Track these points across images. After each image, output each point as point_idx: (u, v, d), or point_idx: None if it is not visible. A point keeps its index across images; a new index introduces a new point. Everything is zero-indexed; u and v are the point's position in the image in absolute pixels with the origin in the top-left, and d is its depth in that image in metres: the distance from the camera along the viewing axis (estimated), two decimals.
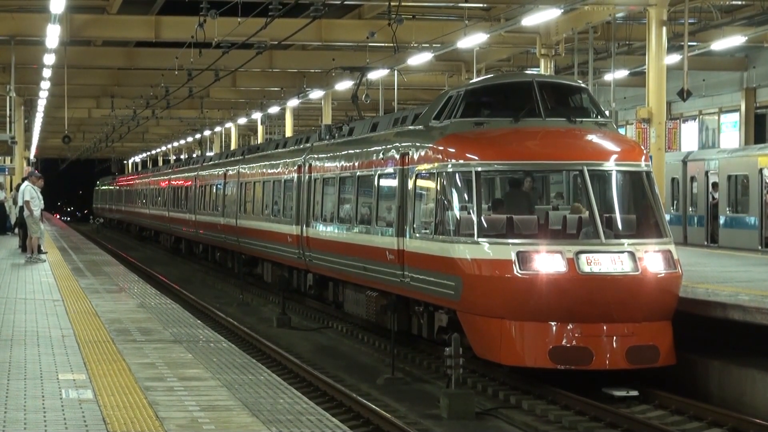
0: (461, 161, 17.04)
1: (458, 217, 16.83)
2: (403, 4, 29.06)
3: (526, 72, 34.91)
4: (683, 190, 38.21)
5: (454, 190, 17.07)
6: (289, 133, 57.04)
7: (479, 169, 16.82)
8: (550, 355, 15.65)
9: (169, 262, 47.65)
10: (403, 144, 19.49)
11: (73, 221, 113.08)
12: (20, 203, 30.70)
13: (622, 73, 40.37)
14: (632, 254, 15.98)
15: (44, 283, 23.16)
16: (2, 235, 41.64)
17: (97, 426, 9.68)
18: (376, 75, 39.27)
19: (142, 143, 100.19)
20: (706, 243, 36.32)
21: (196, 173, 43.60)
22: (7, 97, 43.73)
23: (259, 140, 65.81)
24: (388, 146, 20.26)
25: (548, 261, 15.76)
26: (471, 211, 16.61)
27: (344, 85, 44.95)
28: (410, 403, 16.41)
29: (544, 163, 17.18)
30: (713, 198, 36.48)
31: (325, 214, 24.27)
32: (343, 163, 23.34)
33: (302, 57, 46.05)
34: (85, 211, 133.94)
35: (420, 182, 18.40)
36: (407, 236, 18.62)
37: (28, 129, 64.94)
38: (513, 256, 15.86)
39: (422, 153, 18.37)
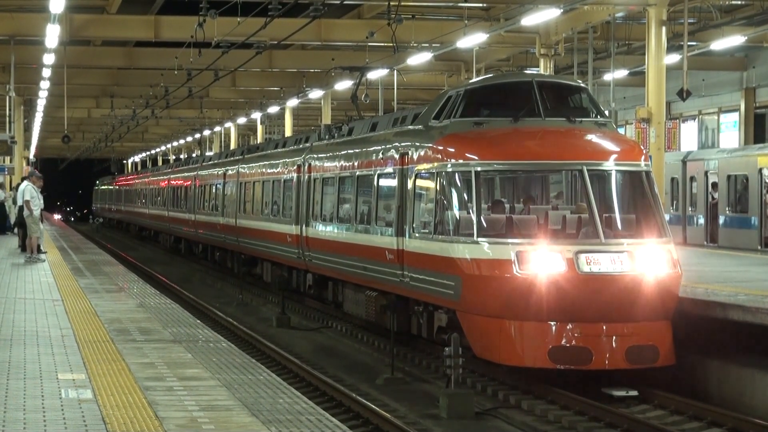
0: (461, 161, 17.04)
1: (458, 217, 16.83)
2: (402, 4, 29.08)
3: (526, 72, 34.92)
4: (683, 190, 38.21)
5: (453, 190, 17.07)
6: (288, 132, 57.06)
7: (479, 168, 16.82)
8: (550, 355, 15.65)
9: (169, 261, 47.65)
10: (402, 144, 19.49)
11: (72, 221, 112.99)
12: (20, 203, 30.68)
13: (621, 73, 40.39)
14: (632, 254, 15.98)
15: (44, 282, 23.16)
16: (2, 235, 41.64)
17: (96, 426, 9.67)
18: (375, 75, 39.28)
19: (141, 143, 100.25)
20: (705, 243, 36.32)
21: (195, 173, 43.60)
22: (7, 97, 43.75)
23: (259, 140, 65.83)
24: (388, 146, 20.26)
25: (548, 261, 15.76)
26: (470, 210, 16.61)
27: (344, 85, 44.97)
28: (410, 402, 16.41)
29: (543, 162, 17.18)
30: (713, 198, 36.48)
31: (325, 213, 24.27)
32: (342, 162, 23.34)
33: (302, 57, 46.09)
34: (85, 211, 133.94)
35: (419, 182, 18.39)
36: (407, 236, 18.62)
37: (27, 129, 65.01)
38: (512, 256, 15.86)
39: (422, 153, 18.37)
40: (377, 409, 14.80)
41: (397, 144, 19.79)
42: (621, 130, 36.22)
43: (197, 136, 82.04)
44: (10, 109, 45.01)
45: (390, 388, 17.58)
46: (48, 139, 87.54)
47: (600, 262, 15.85)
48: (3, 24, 36.50)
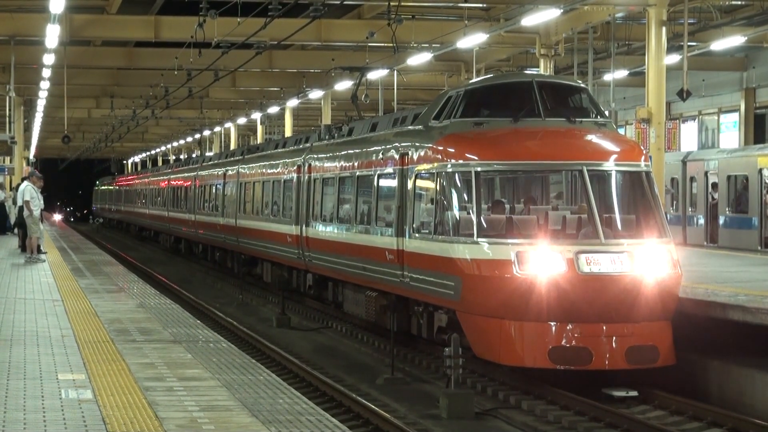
0: (461, 161, 17.04)
1: (458, 217, 16.83)
2: (402, 4, 29.06)
3: (526, 72, 34.90)
4: (683, 190, 38.21)
5: (453, 190, 17.07)
6: (288, 133, 57.05)
7: (479, 169, 16.82)
8: (550, 356, 15.65)
9: (169, 262, 47.65)
10: (402, 144, 19.49)
11: (72, 221, 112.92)
12: (20, 203, 30.70)
13: (621, 73, 40.36)
14: (632, 254, 15.98)
15: (44, 283, 23.17)
16: (2, 235, 41.64)
17: (96, 426, 9.68)
18: (375, 75, 39.27)
19: (141, 143, 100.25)
20: (705, 243, 36.32)
21: (195, 173, 43.61)
22: (7, 97, 43.75)
23: (259, 140, 65.83)
24: (388, 146, 20.27)
25: (548, 261, 15.75)
26: (470, 211, 16.61)
27: (344, 85, 44.96)
28: (410, 403, 16.42)
29: (543, 163, 17.19)
30: (713, 198, 36.47)
31: (325, 214, 24.27)
32: (342, 163, 23.34)
33: (302, 57, 46.07)
34: (85, 211, 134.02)
35: (419, 182, 18.39)
36: (407, 236, 18.62)
37: (27, 129, 64.99)
38: (512, 256, 15.86)
39: (422, 153, 18.37)
40: (377, 409, 14.80)
41: (397, 144, 19.79)
42: (621, 131, 36.23)
43: (197, 136, 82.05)
44: (10, 110, 45.00)
45: (390, 388, 17.58)
46: (48, 139, 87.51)
47: (600, 262, 15.85)
48: (3, 24, 36.49)
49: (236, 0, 29.74)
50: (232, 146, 72.02)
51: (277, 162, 29.50)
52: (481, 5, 36.60)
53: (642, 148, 18.91)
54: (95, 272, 26.92)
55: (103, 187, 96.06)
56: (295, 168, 27.03)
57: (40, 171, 37.69)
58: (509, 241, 16.16)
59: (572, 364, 15.74)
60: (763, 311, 15.22)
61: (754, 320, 15.37)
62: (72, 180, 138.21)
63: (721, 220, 35.68)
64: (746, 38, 35.78)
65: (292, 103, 55.23)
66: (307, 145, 27.28)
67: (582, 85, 18.95)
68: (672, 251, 16.45)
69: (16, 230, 37.31)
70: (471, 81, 22.70)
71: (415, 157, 18.62)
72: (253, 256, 33.14)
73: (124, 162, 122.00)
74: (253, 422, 10.00)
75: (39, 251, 29.33)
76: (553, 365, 15.71)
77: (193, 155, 75.14)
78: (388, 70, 39.65)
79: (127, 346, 14.35)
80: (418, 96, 54.50)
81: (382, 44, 35.70)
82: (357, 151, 22.47)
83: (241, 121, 69.39)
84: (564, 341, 15.72)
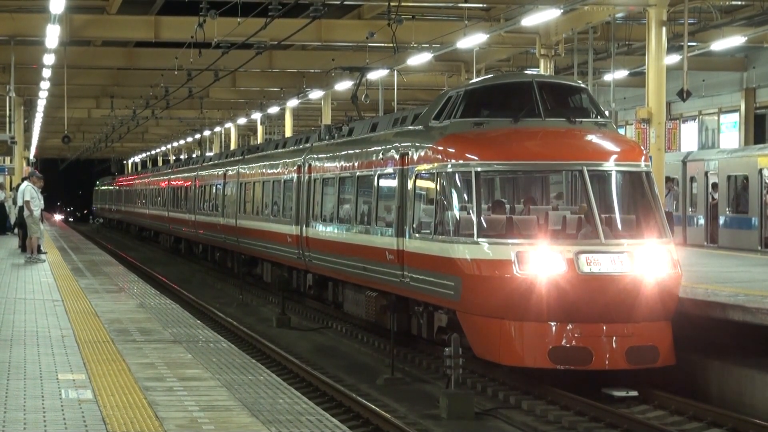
0: (461, 161, 17.05)
1: (458, 217, 16.83)
2: (402, 4, 29.08)
3: (526, 72, 34.89)
4: (683, 190, 38.21)
5: (453, 191, 17.08)
6: (288, 133, 57.06)
7: (479, 169, 16.83)
8: (550, 356, 15.65)
9: (169, 262, 47.65)
10: (402, 144, 19.49)
11: (71, 221, 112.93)
12: (20, 203, 30.70)
13: (621, 74, 40.37)
14: (632, 254, 15.98)
15: (44, 283, 23.17)
16: (2, 235, 41.64)
17: (96, 426, 9.68)
18: (375, 75, 39.26)
19: (141, 143, 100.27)
20: (705, 243, 36.32)
21: (195, 173, 43.61)
22: (7, 97, 43.76)
23: (259, 140, 65.84)
24: (388, 146, 20.27)
25: (548, 261, 15.76)
26: (471, 211, 16.61)
27: (344, 86, 44.97)
28: (410, 403, 16.42)
29: (543, 163, 17.20)
30: (713, 198, 36.47)
31: (325, 214, 24.28)
32: (342, 163, 23.34)
33: (302, 57, 46.08)
34: (85, 211, 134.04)
35: (420, 182, 18.40)
36: (407, 236, 18.62)
37: (27, 129, 65.01)
38: (512, 256, 15.86)
39: (422, 153, 18.37)
40: (377, 409, 14.81)
41: (397, 144, 19.80)
42: (621, 131, 36.22)
43: (197, 136, 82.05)
44: (10, 110, 45.03)
45: (390, 388, 17.59)
46: (48, 139, 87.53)
47: (600, 262, 15.85)
48: (3, 24, 36.49)
49: (236, 0, 29.75)
50: (232, 146, 72.02)
51: (277, 162, 29.50)
52: (481, 5, 36.60)
53: (642, 148, 18.92)
54: (95, 272, 26.92)
55: (103, 188, 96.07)
56: (295, 168, 27.03)
57: (41, 171, 37.70)
58: (509, 241, 16.16)
59: (572, 364, 15.74)
60: (763, 311, 15.22)
61: (754, 320, 15.37)
62: (72, 180, 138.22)
63: (721, 220, 35.67)
64: (746, 38, 35.78)
65: (292, 103, 55.24)
66: (307, 145, 27.28)
67: (582, 86, 18.94)
68: (672, 251, 16.45)
69: (16, 230, 37.31)
70: (471, 81, 22.69)
71: (415, 157, 18.62)
72: (253, 257, 33.15)
73: (124, 162, 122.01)
74: (253, 422, 10.01)
75: (39, 251, 29.34)
76: (553, 365, 15.71)
77: (193, 155, 75.14)
78: (388, 70, 39.64)
79: (127, 346, 14.35)
80: (418, 96, 54.50)
81: (382, 44, 35.70)
82: (357, 151, 22.47)
83: (241, 121, 69.40)
84: (564, 341, 15.73)
